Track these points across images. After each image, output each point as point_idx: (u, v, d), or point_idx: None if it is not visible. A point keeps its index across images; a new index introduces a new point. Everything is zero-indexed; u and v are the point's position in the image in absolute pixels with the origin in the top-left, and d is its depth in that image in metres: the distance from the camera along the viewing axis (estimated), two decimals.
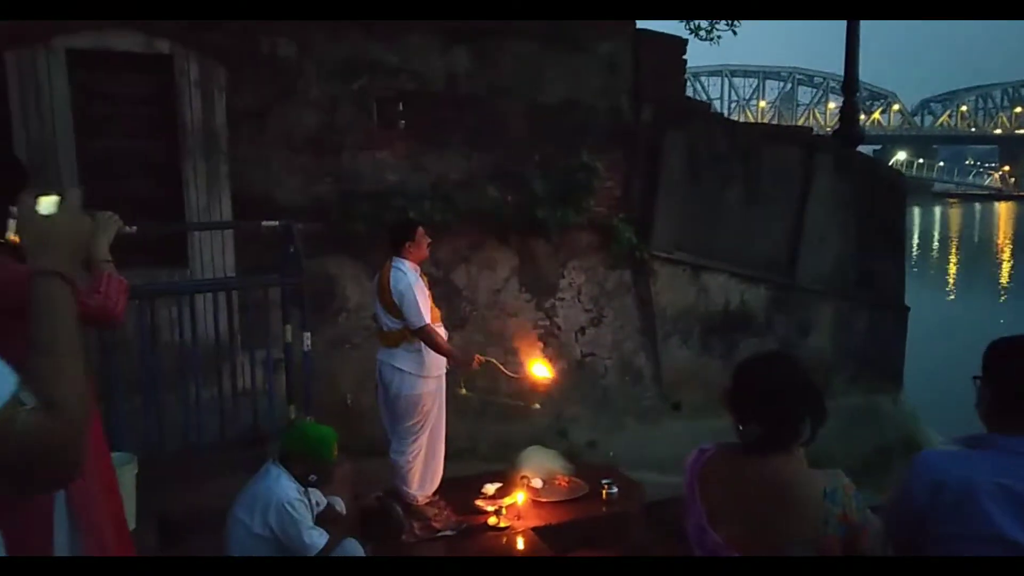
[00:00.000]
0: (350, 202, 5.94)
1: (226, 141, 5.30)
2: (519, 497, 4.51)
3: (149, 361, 3.94)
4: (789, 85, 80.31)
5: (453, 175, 6.40)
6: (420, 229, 4.36)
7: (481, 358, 4.33)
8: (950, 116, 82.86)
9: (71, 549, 2.04)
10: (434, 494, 4.44)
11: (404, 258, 4.26)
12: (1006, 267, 30.00)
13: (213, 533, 3.16)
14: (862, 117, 9.06)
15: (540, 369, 4.60)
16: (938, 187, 74.61)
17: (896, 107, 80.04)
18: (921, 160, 73.95)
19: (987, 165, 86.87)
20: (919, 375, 9.24)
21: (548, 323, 6.84)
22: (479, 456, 6.01)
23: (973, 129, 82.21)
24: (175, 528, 3.55)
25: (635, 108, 6.92)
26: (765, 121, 48.53)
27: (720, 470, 2.01)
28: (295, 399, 4.35)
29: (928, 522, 1.82)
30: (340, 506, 3.19)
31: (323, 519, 3.10)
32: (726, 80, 75.99)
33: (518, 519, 4.34)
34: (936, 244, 37.03)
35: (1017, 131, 79.73)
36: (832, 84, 79.22)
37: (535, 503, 4.53)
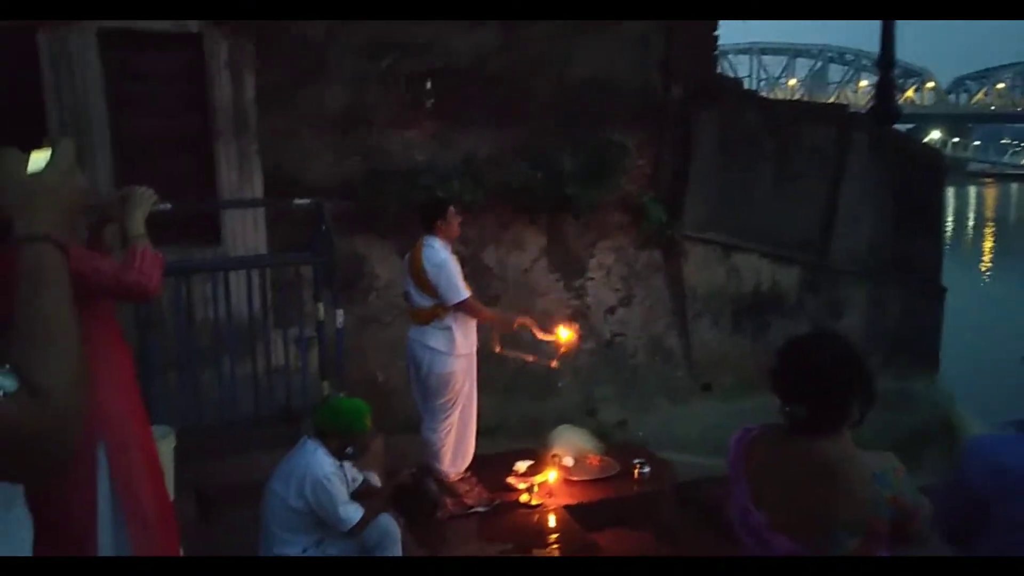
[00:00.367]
0: (379, 181, 5.93)
1: (256, 119, 5.30)
2: (551, 475, 4.50)
3: (185, 338, 3.98)
4: (820, 63, 78.75)
5: (482, 153, 6.35)
6: (451, 208, 4.34)
7: (521, 320, 4.32)
8: (986, 94, 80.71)
9: (114, 518, 2.07)
10: (466, 471, 4.45)
11: (435, 236, 4.24)
12: None
13: (249, 506, 3.20)
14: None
15: (565, 331, 4.54)
16: (973, 167, 72.91)
17: (930, 85, 78.15)
18: (956, 139, 72.26)
19: None
20: (953, 357, 9.07)
21: (577, 303, 6.80)
22: (508, 434, 6.01)
23: (1010, 107, 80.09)
24: (212, 501, 3.60)
25: (666, 85, 6.81)
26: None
27: (765, 451, 1.98)
28: (328, 376, 4.37)
29: (993, 506, 1.78)
30: (375, 481, 3.20)
31: (358, 494, 3.12)
32: (755, 59, 74.73)
33: (550, 497, 4.35)
34: (971, 225, 36.26)
35: None
36: (864, 62, 77.51)
37: (566, 481, 4.53)
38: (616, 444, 5.23)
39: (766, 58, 76.89)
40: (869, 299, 7.74)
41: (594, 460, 4.76)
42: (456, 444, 4.38)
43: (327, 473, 2.90)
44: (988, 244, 30.26)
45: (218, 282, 4.08)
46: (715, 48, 7.14)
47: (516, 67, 6.36)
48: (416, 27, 6.06)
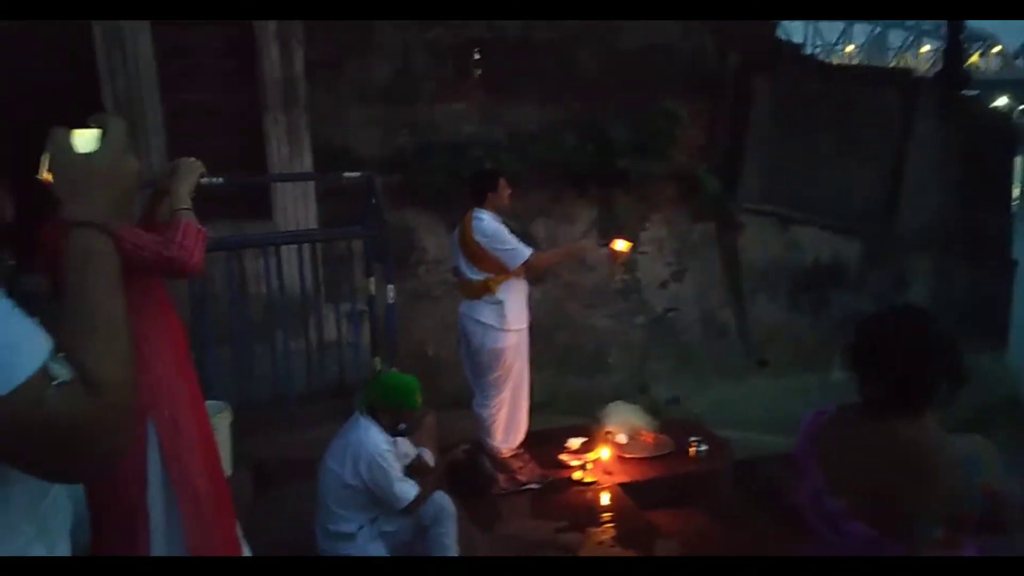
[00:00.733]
0: (427, 154, 5.87)
1: (305, 93, 5.27)
2: (604, 452, 4.42)
3: (238, 312, 3.99)
4: (879, 28, 75.77)
5: (530, 125, 6.23)
6: (502, 179, 4.25)
7: (579, 248, 4.42)
8: None
9: (165, 497, 2.06)
10: (518, 447, 4.40)
11: (485, 208, 4.16)
12: None
13: (304, 482, 3.20)
14: None
15: (620, 244, 4.43)
16: None
17: (996, 49, 74.58)
18: (1023, 106, 69.09)
19: None
20: (1021, 332, 8.67)
21: (629, 277, 6.67)
22: (559, 410, 5.95)
23: None
24: (268, 475, 3.61)
25: (721, 51, 6.57)
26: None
27: (841, 433, 1.85)
28: (379, 351, 4.35)
29: None
30: (428, 457, 3.17)
31: (412, 470, 3.08)
32: (810, 25, 72.24)
33: (604, 475, 4.27)
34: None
35: None
36: (926, 27, 74.35)
37: (620, 459, 4.45)
38: (670, 420, 5.11)
39: (821, 24, 74.26)
40: (935, 272, 7.43)
41: (648, 437, 4.67)
42: (508, 420, 4.33)
43: (381, 450, 2.87)
44: None
45: (270, 257, 4.08)
46: None
47: (564, 36, 6.20)
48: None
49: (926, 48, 73.06)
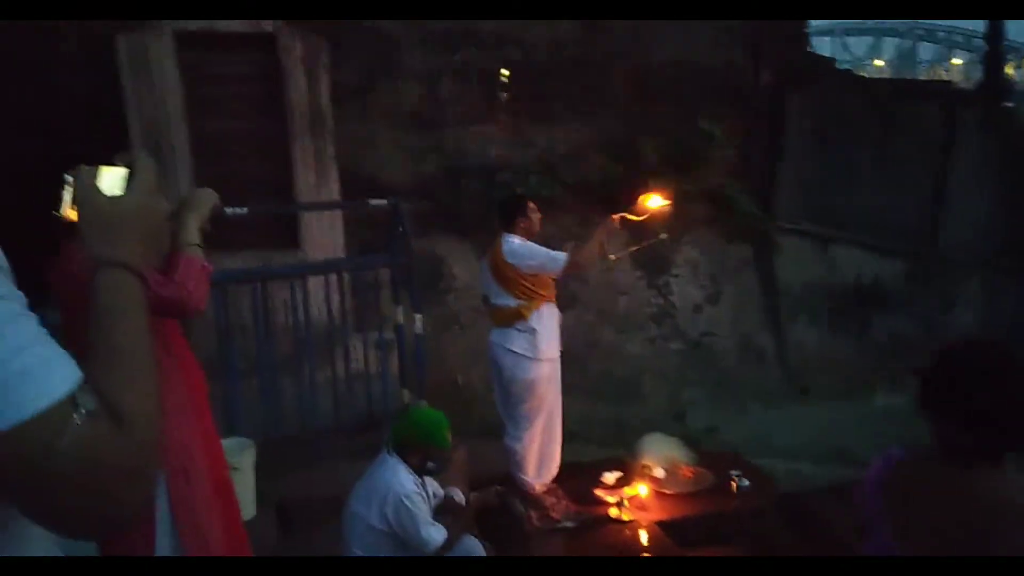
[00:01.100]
0: (455, 179, 5.79)
1: (332, 120, 5.21)
2: (641, 488, 4.23)
3: (264, 343, 3.90)
4: (909, 42, 74.98)
5: (560, 147, 6.13)
6: (532, 203, 4.13)
7: (617, 218, 3.98)
8: None
9: (172, 549, 1.93)
10: (551, 482, 4.23)
11: (515, 234, 4.04)
12: None
13: (330, 521, 3.07)
14: None
15: (654, 200, 4.10)
16: None
17: None
18: None
19: None
20: None
21: (662, 301, 6.50)
22: (591, 439, 5.77)
23: None
24: (293, 515, 3.49)
25: (754, 68, 6.43)
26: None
27: (914, 481, 1.67)
28: (408, 383, 4.23)
29: None
30: (459, 497, 3.02)
31: (441, 511, 2.94)
32: (838, 40, 71.73)
33: (641, 511, 4.07)
34: None
35: None
36: (957, 38, 73.45)
37: (658, 495, 4.24)
38: (708, 453, 4.90)
39: (850, 39, 73.67)
40: (983, 290, 7.15)
41: (687, 471, 4.46)
42: (541, 454, 4.17)
43: (408, 492, 2.73)
44: None
45: (296, 287, 3.99)
46: (806, 26, 6.69)
47: (595, 56, 6.11)
48: (489, 20, 5.87)
49: (958, 61, 72.11)
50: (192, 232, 1.99)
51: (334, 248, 5.11)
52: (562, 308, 4.39)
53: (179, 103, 4.77)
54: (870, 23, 74.70)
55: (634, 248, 4.46)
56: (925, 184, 6.91)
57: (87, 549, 0.96)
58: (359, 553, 2.79)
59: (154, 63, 4.68)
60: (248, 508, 3.14)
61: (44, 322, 0.88)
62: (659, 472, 4.39)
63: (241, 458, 3.06)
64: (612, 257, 4.15)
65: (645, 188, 4.21)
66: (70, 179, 1.01)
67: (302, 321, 3.95)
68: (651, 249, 6.35)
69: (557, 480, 4.26)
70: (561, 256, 3.87)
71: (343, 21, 5.34)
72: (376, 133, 5.67)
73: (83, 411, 0.80)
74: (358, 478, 2.95)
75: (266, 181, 5.05)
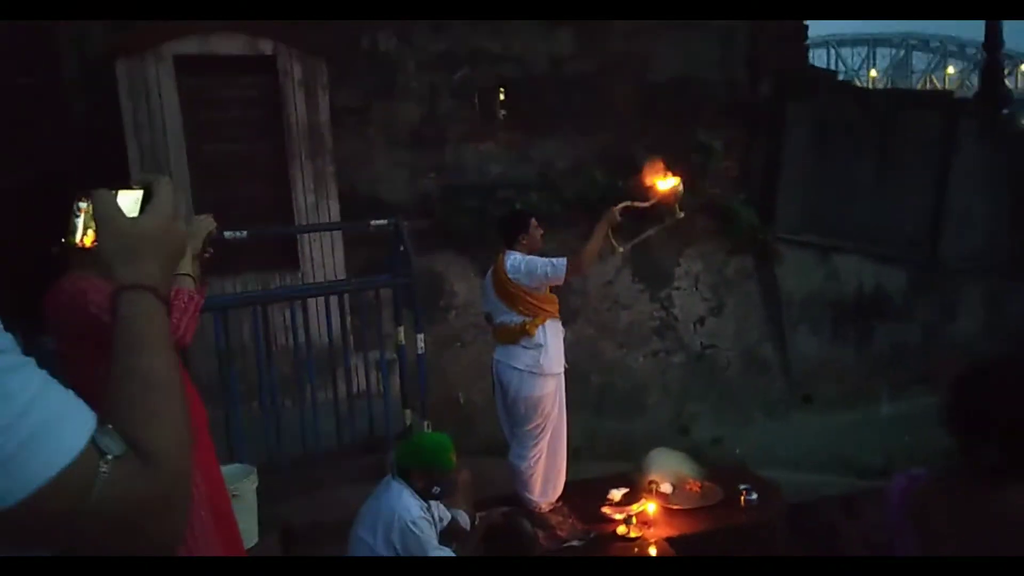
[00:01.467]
0: (455, 196, 5.78)
1: (331, 140, 5.22)
2: (649, 505, 4.19)
3: (264, 366, 3.87)
4: (902, 52, 75.43)
5: (560, 163, 6.13)
6: (533, 219, 4.11)
7: (617, 209, 3.90)
8: None
9: None
10: (558, 500, 4.19)
11: (516, 251, 4.02)
12: None
13: (334, 546, 3.03)
14: None
15: (664, 183, 4.01)
16: None
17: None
18: None
19: None
20: None
21: (664, 314, 6.47)
22: (596, 455, 5.73)
23: None
24: (296, 540, 3.45)
25: (753, 80, 6.44)
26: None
27: (942, 501, 1.63)
28: (410, 403, 4.20)
29: None
30: (464, 520, 2.99)
31: (448, 534, 2.90)
32: (832, 51, 72.16)
33: (649, 528, 4.03)
34: None
35: None
36: (950, 48, 73.87)
37: (666, 510, 4.20)
38: (715, 466, 4.86)
39: (844, 50, 74.14)
40: (985, 300, 7.12)
41: (695, 486, 4.41)
42: (546, 472, 4.12)
43: (414, 517, 2.70)
44: None
45: (296, 308, 3.97)
46: (805, 38, 6.72)
47: (593, 71, 6.12)
48: (488, 37, 5.89)
49: (952, 70, 72.49)
50: (184, 262, 1.96)
51: (334, 268, 5.09)
52: (564, 323, 4.37)
53: (178, 127, 4.77)
54: (864, 33, 75.22)
55: (648, 233, 4.35)
56: (926, 193, 6.90)
57: None
58: None
59: (153, 87, 4.68)
60: (251, 535, 3.11)
61: (41, 353, 0.84)
62: (666, 487, 4.35)
63: (242, 485, 3.03)
64: (621, 249, 4.11)
65: (653, 168, 4.08)
66: (83, 204, 0.97)
67: (303, 343, 3.93)
68: (654, 266, 6.40)
69: (563, 498, 4.21)
70: (561, 261, 3.83)
71: (341, 42, 5.35)
72: (375, 152, 5.67)
73: (109, 457, 0.77)
74: (362, 501, 2.92)
75: (265, 203, 5.05)
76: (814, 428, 6.52)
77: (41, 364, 0.81)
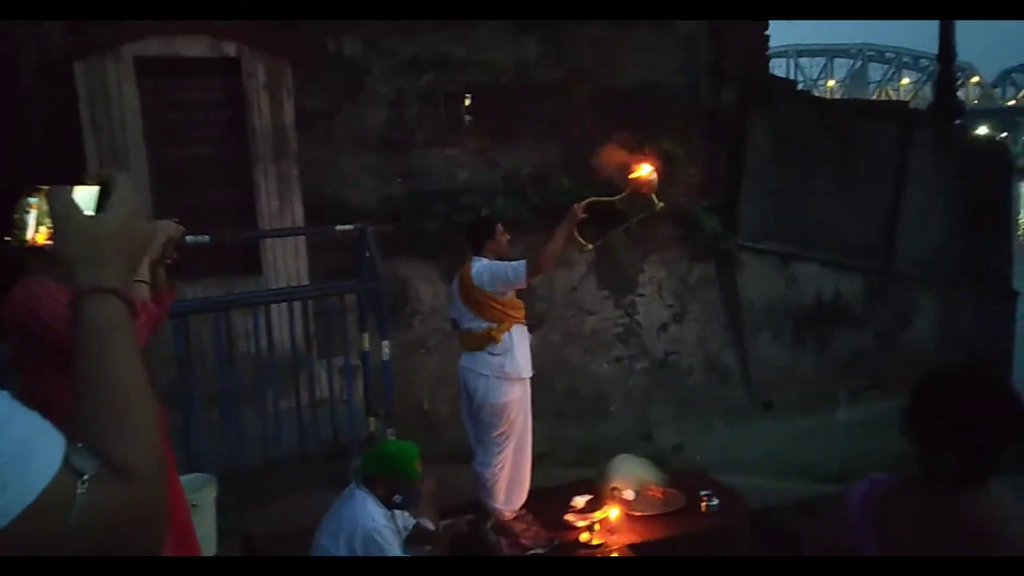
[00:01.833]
0: (421, 201, 5.76)
1: (295, 143, 5.17)
2: (612, 511, 4.21)
3: (226, 373, 3.82)
4: (859, 62, 77.29)
5: (526, 169, 6.14)
6: (499, 225, 4.12)
7: (580, 206, 3.82)
8: None
9: None
10: (521, 508, 4.19)
11: (483, 257, 4.02)
12: None
13: (296, 555, 2.99)
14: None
15: (639, 171, 3.94)
16: (1022, 162, 70.65)
17: (975, 79, 76.09)
18: (1004, 134, 70.15)
19: None
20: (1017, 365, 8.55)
21: (628, 321, 6.53)
22: (560, 461, 5.75)
23: None
24: (258, 550, 3.40)
25: (716, 89, 6.53)
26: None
27: (904, 508, 1.67)
28: (374, 410, 4.17)
29: None
30: (429, 528, 2.97)
31: (412, 542, 2.89)
32: (792, 61, 73.59)
33: (611, 535, 4.05)
34: (1022, 224, 34.91)
35: None
36: (905, 59, 75.90)
37: (629, 517, 4.23)
38: (677, 472, 4.91)
39: (803, 60, 75.69)
40: (939, 306, 7.32)
41: (657, 492, 4.45)
42: (510, 479, 4.12)
43: (378, 526, 2.68)
44: None
45: (259, 314, 3.92)
46: (767, 48, 6.83)
47: (558, 78, 6.15)
48: (454, 43, 5.89)
49: (906, 80, 74.51)
50: (142, 268, 1.93)
51: (298, 273, 5.04)
52: (530, 329, 4.38)
53: (138, 130, 4.68)
54: (823, 44, 76.91)
55: (625, 226, 4.28)
56: (883, 202, 7.07)
57: None
58: None
59: (113, 89, 4.59)
60: (209, 546, 3.06)
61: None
62: (629, 494, 4.38)
63: (201, 494, 2.98)
64: (589, 247, 4.11)
65: (630, 160, 4.01)
66: (33, 200, 0.90)
67: (265, 349, 3.88)
68: (618, 272, 6.45)
69: (527, 505, 4.21)
70: (521, 263, 3.81)
71: (307, 45, 5.30)
72: (341, 157, 5.63)
73: (84, 477, 0.75)
74: (324, 510, 2.89)
75: (228, 207, 4.98)
76: (774, 434, 6.63)
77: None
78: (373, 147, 5.70)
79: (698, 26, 6.40)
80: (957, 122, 7.94)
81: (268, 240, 4.98)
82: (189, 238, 2.22)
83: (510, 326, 3.99)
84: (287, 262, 5.01)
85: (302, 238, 5.09)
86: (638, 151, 4.00)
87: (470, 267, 4.00)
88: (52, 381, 1.60)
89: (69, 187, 0.91)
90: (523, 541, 3.97)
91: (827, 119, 6.89)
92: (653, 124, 6.27)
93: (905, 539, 1.64)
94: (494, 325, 3.96)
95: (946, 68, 7.99)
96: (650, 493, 4.44)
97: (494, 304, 3.95)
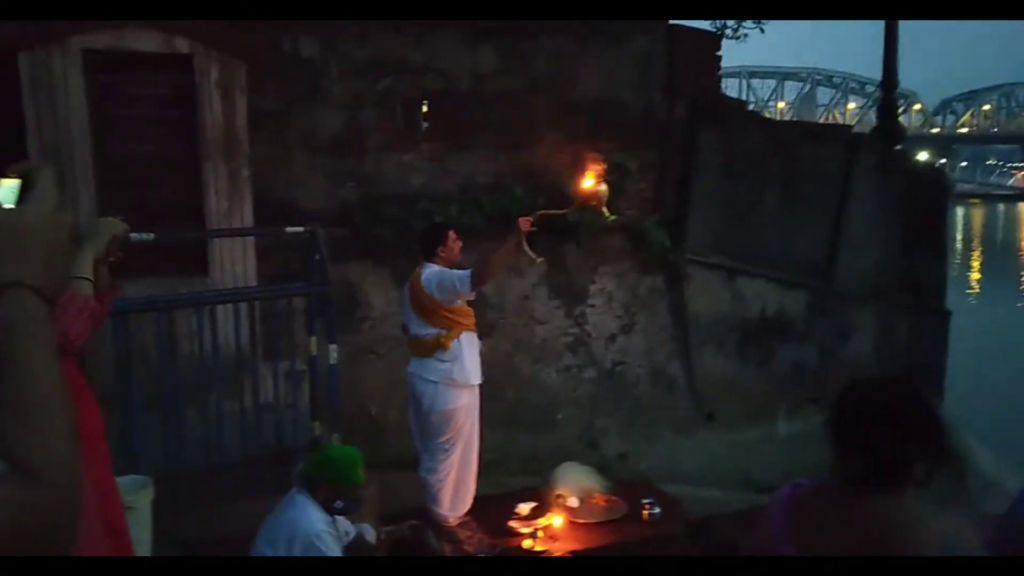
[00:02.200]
0: (374, 206, 5.74)
1: (247, 143, 5.10)
2: (555, 519, 4.25)
3: (168, 374, 3.74)
4: (808, 86, 79.66)
5: (481, 178, 6.18)
6: (452, 232, 4.13)
7: (528, 219, 3.81)
8: (972, 115, 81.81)
9: None
10: (466, 514, 4.20)
11: (434, 264, 4.03)
12: None
13: None
14: None
15: (586, 182, 3.97)
16: (960, 187, 73.60)
17: (917, 107, 79.13)
18: (942, 160, 72.99)
19: (1010, 165, 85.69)
20: (953, 380, 8.89)
21: (578, 330, 6.60)
22: (507, 469, 5.77)
23: (995, 129, 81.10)
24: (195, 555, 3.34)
25: (668, 106, 6.66)
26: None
27: (818, 511, 1.75)
28: (320, 415, 4.14)
29: None
30: (370, 535, 2.97)
31: (352, 550, 2.87)
32: (744, 82, 75.42)
33: (555, 542, 4.09)
34: (959, 246, 36.32)
35: None
36: (852, 84, 78.47)
37: (572, 524, 4.28)
38: (621, 480, 4.98)
39: (755, 81, 77.68)
40: (876, 323, 7.57)
41: (600, 500, 4.51)
42: (456, 486, 4.14)
43: (318, 531, 2.66)
44: (976, 264, 30.30)
45: (204, 315, 3.86)
46: (718, 68, 7.00)
47: (515, 89, 6.20)
48: (412, 48, 5.90)
49: (852, 105, 77.05)
50: (83, 265, 1.89)
51: (246, 275, 4.97)
52: (480, 336, 4.40)
53: (84, 124, 4.57)
54: (773, 68, 79.08)
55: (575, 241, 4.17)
56: (824, 222, 7.30)
57: None
58: None
59: (59, 82, 4.47)
60: (144, 550, 2.99)
61: None
62: (573, 501, 4.43)
63: (138, 496, 2.92)
64: (539, 259, 4.12)
65: (580, 170, 4.02)
66: None
67: (209, 351, 3.82)
68: (570, 283, 6.52)
69: (471, 512, 4.23)
70: (466, 277, 3.80)
71: (262, 45, 5.25)
72: (294, 158, 5.58)
73: None
74: (266, 515, 2.86)
75: (175, 205, 4.89)
76: (717, 445, 6.76)
77: None
78: (327, 150, 5.67)
79: (653, 44, 6.53)
80: (898, 147, 8.25)
81: (216, 240, 4.91)
82: (134, 236, 2.19)
83: (459, 333, 4.01)
84: (235, 263, 4.94)
85: (251, 239, 5.02)
86: (588, 164, 4.04)
87: (421, 273, 4.01)
88: None
89: None
90: (466, 548, 3.98)
91: (775, 139, 7.09)
92: (607, 138, 6.38)
93: (816, 540, 1.71)
94: (443, 332, 3.97)
95: (888, 95, 8.30)
96: (594, 501, 4.50)
97: (443, 311, 3.97)
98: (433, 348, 3.98)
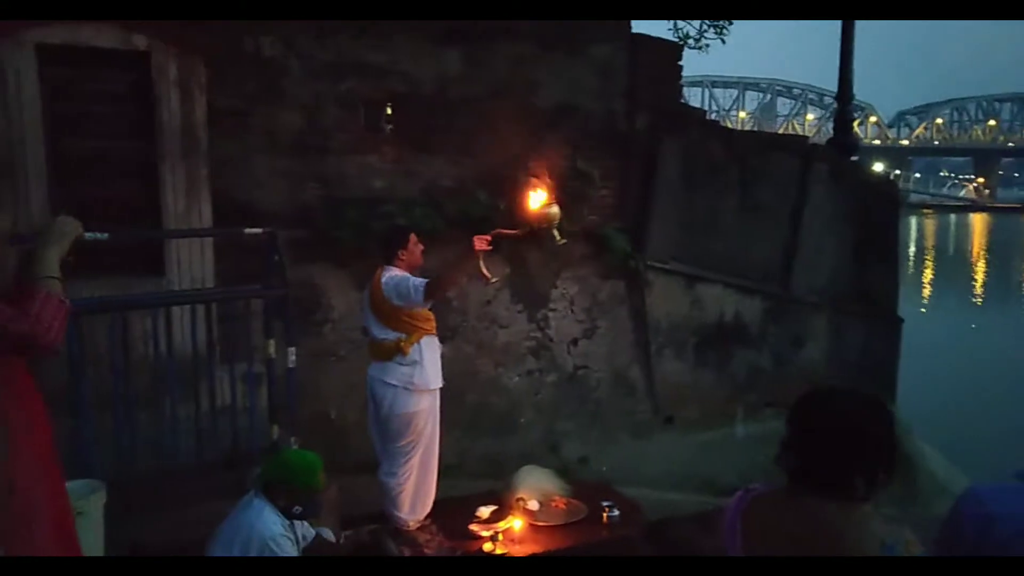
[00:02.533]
0: (336, 208, 5.70)
1: (206, 142, 5.03)
2: (516, 522, 4.27)
3: (121, 377, 3.67)
4: (768, 96, 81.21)
5: (443, 181, 6.17)
6: (413, 236, 4.14)
7: (484, 238, 3.82)
8: (926, 128, 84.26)
9: None
10: (426, 518, 4.20)
11: (395, 267, 4.03)
12: (980, 277, 30.36)
13: None
14: None
15: (535, 199, 3.98)
16: (914, 198, 75.75)
17: (873, 119, 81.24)
18: (897, 171, 75.00)
19: (962, 177, 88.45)
20: (903, 387, 9.14)
21: (540, 335, 6.63)
22: (468, 473, 5.78)
23: (948, 141, 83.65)
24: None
25: (630, 113, 6.74)
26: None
27: (766, 513, 1.80)
28: (278, 418, 4.09)
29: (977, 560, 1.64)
30: (329, 538, 2.94)
31: (314, 549, 2.85)
32: (707, 91, 76.59)
33: (515, 545, 4.11)
34: (912, 255, 37.36)
35: (991, 143, 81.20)
36: (810, 96, 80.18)
37: (532, 527, 4.30)
38: (581, 484, 5.02)
39: (717, 91, 78.95)
40: (829, 329, 7.74)
41: (560, 503, 4.55)
42: (416, 489, 4.13)
43: (275, 535, 2.63)
44: (928, 274, 31.17)
45: (159, 316, 3.80)
46: (680, 77, 7.10)
47: (479, 94, 6.22)
48: (375, 50, 5.88)
49: (811, 116, 78.76)
50: (50, 265, 1.87)
51: (203, 276, 4.90)
52: (442, 340, 4.39)
53: (37, 120, 4.47)
54: (735, 78, 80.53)
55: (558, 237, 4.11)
56: (781, 230, 7.44)
57: None
58: None
59: (10, 76, 4.37)
60: (94, 554, 2.93)
61: None
62: (533, 504, 4.46)
63: (88, 501, 2.86)
64: (495, 279, 4.14)
65: (528, 188, 4.02)
66: None
67: (164, 353, 3.76)
68: (532, 287, 6.56)
69: (432, 516, 4.23)
70: (420, 287, 3.81)
71: (222, 43, 5.19)
72: (254, 158, 5.51)
73: None
74: (221, 520, 2.82)
75: (131, 204, 4.80)
76: (676, 448, 6.85)
77: None
78: (288, 150, 5.61)
79: (615, 52, 6.60)
80: (853, 158, 8.46)
81: (173, 240, 4.83)
82: (88, 235, 2.16)
83: (420, 338, 4.01)
84: (192, 264, 4.87)
85: (209, 240, 4.95)
86: (537, 181, 4.05)
87: (381, 277, 4.00)
88: None
89: None
90: (426, 551, 3.97)
91: (734, 149, 7.21)
92: (569, 145, 6.44)
93: (769, 544, 1.76)
94: (403, 336, 3.97)
95: (844, 106, 8.51)
96: (554, 504, 4.54)
97: (403, 316, 3.96)
98: (393, 352, 3.97)
